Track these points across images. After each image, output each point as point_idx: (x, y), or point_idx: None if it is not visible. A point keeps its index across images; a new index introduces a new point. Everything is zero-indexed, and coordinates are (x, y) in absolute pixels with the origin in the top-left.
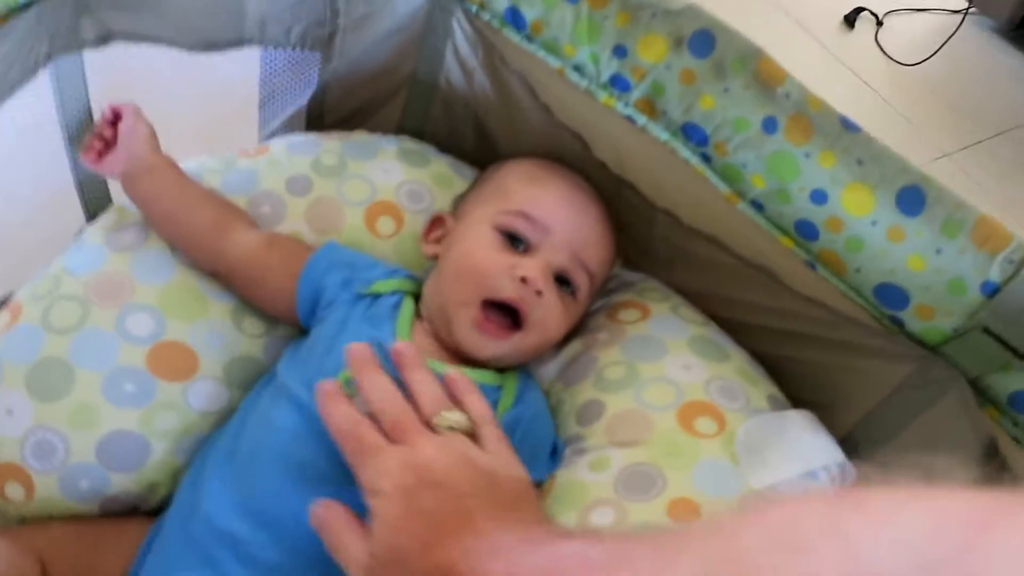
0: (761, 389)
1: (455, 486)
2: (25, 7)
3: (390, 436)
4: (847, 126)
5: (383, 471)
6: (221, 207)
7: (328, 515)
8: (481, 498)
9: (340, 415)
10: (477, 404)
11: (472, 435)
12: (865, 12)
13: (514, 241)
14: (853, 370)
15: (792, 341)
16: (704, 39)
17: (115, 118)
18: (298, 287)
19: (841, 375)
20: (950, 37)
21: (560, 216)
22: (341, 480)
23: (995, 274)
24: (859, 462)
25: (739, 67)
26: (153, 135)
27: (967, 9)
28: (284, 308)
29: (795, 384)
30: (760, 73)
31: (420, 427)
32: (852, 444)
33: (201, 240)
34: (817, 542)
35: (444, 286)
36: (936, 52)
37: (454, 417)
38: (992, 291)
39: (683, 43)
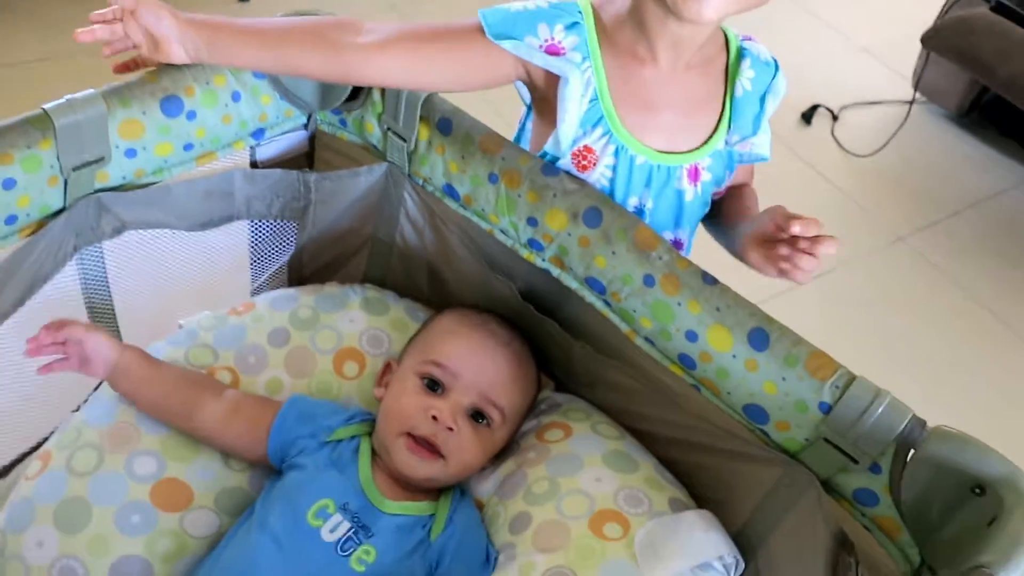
0: (664, 494)
1: None
2: (56, 213)
3: None
4: (706, 280)
5: None
6: (187, 391)
7: None
8: None
9: None
10: None
11: None
12: (821, 108)
13: (433, 384)
14: (740, 473)
15: (692, 448)
16: (594, 213)
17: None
18: (269, 442)
19: (731, 477)
20: (900, 127)
21: (468, 364)
22: None
23: (827, 396)
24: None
25: (622, 236)
26: (104, 340)
27: (913, 99)
28: (256, 459)
29: (698, 484)
30: (637, 241)
31: None
32: (745, 537)
33: (177, 422)
34: None
35: (381, 423)
36: (888, 142)
37: None
38: (827, 410)
39: (579, 216)
